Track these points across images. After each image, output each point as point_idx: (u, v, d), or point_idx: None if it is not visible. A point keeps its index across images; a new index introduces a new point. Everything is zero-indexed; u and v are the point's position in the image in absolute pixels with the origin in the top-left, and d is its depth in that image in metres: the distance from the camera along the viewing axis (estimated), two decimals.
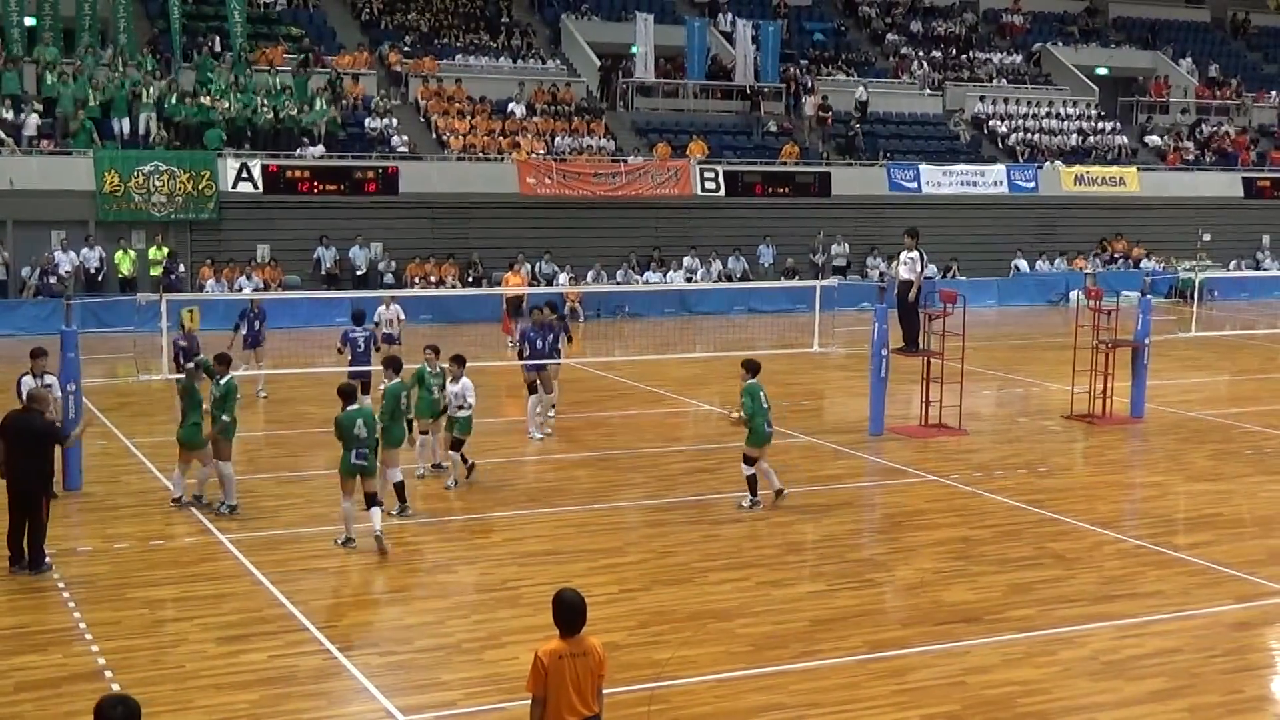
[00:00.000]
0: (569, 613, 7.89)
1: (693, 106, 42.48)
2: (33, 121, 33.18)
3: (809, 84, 43.34)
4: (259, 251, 33.89)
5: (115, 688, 10.71)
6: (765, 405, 16.37)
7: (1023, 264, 41.32)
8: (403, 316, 23.38)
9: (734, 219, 38.42)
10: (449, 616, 12.69)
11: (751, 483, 16.47)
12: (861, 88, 43.69)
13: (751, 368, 16.65)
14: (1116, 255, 42.43)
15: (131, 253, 32.37)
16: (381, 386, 17.59)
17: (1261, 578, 14.14)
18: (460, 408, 17.01)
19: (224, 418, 15.82)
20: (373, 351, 21.21)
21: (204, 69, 36.21)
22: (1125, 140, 46.69)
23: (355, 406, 14.71)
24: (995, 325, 35.17)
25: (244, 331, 22.61)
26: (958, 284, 34.76)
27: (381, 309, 23.34)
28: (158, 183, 32.77)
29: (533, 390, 20.21)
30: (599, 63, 41.76)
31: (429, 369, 17.44)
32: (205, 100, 35.07)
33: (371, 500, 14.64)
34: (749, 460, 16.47)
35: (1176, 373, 27.06)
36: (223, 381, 16.05)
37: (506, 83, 40.00)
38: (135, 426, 20.74)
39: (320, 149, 35.25)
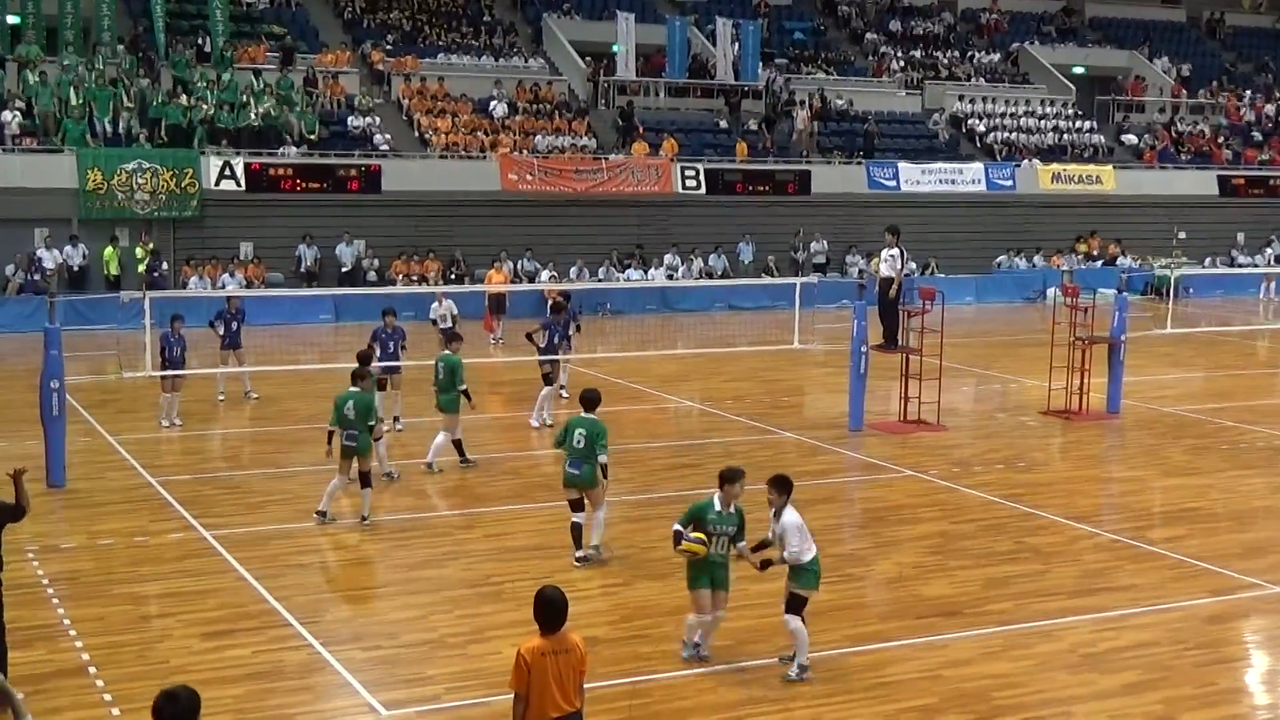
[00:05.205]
0: (550, 610, 8.02)
1: (673, 105, 42.59)
2: (14, 119, 33.11)
3: (812, 99, 43.19)
4: (242, 249, 33.88)
5: (100, 684, 10.81)
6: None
7: (1016, 261, 41.62)
8: (455, 311, 24.44)
9: (715, 216, 38.56)
10: (433, 611, 12.78)
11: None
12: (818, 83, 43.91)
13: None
14: (1094, 254, 42.67)
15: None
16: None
17: (1235, 571, 14.32)
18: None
19: None
20: (400, 353, 21.19)
21: (184, 67, 36.15)
22: (1102, 139, 46.95)
23: (352, 389, 15.48)
24: (973, 322, 35.37)
25: (222, 332, 22.56)
26: (936, 281, 34.95)
27: (435, 305, 24.66)
28: (140, 181, 32.74)
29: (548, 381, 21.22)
30: (583, 65, 41.79)
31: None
32: (187, 100, 35.02)
33: (365, 480, 15.43)
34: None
35: (1152, 369, 27.26)
36: None
37: (488, 81, 40.05)
38: (119, 424, 20.77)
39: (303, 147, 35.24)
